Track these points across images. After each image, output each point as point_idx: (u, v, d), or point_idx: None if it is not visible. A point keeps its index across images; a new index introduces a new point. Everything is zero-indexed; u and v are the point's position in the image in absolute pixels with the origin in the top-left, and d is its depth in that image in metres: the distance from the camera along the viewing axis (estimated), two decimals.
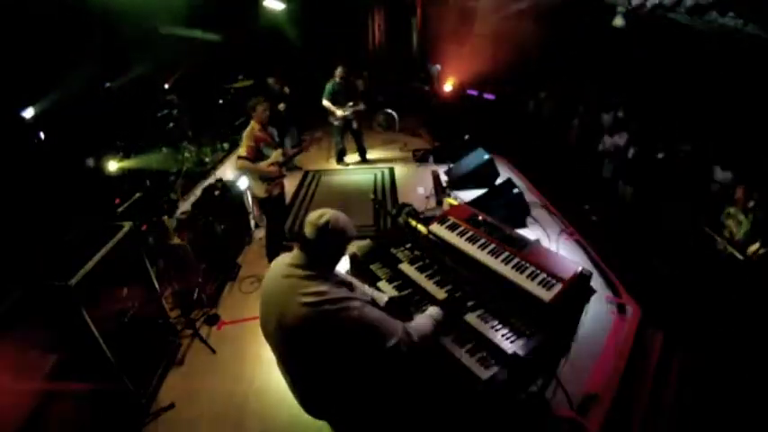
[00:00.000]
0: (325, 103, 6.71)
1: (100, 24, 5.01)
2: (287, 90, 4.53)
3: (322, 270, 1.74)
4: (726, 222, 4.24)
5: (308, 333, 1.65)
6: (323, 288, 1.66)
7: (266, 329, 1.82)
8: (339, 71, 6.60)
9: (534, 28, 7.47)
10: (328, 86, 6.66)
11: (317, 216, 1.76)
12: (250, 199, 5.15)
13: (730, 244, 4.02)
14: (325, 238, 1.72)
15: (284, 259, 1.84)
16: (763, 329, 3.59)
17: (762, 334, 3.58)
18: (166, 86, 6.87)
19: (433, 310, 2.03)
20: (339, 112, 6.67)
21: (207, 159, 7.29)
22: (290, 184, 6.37)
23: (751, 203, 4.04)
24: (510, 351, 1.96)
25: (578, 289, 2.12)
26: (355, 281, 2.18)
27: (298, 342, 1.70)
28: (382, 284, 2.56)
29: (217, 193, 4.38)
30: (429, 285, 2.41)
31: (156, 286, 3.22)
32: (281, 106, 4.73)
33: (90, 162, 4.94)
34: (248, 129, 3.93)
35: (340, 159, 7.43)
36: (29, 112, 4.47)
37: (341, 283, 1.80)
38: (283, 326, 1.69)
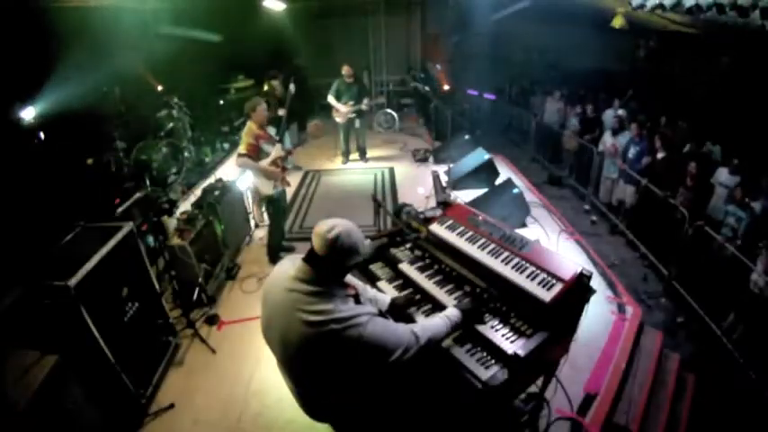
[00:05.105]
0: (330, 99, 6.79)
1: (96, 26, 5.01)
2: (292, 88, 4.52)
3: (328, 286, 1.63)
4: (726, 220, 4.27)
5: (312, 351, 1.60)
6: (329, 306, 1.57)
7: (268, 338, 1.77)
8: (346, 70, 6.64)
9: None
10: (334, 84, 6.73)
11: (327, 228, 1.60)
12: (250, 199, 5.15)
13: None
14: (335, 254, 1.60)
15: (288, 269, 1.69)
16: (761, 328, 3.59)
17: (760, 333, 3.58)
18: (160, 88, 6.86)
19: (450, 312, 1.99)
20: (343, 109, 6.71)
21: (207, 159, 7.30)
22: (291, 184, 6.36)
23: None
24: (510, 351, 1.95)
25: (578, 289, 2.12)
26: (359, 283, 2.16)
27: (302, 358, 1.65)
28: (382, 284, 2.56)
29: (217, 193, 4.38)
30: (429, 286, 2.41)
31: (156, 286, 3.22)
32: (282, 112, 4.74)
33: (90, 162, 4.95)
34: (246, 128, 3.94)
35: (346, 159, 7.46)
36: (29, 113, 4.47)
37: (347, 296, 1.70)
38: (287, 342, 1.64)
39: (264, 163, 3.94)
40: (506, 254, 2.35)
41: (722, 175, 4.78)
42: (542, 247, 2.39)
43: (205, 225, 3.95)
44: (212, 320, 3.74)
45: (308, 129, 4.71)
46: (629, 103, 7.10)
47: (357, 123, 7.03)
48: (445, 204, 2.99)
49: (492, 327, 2.10)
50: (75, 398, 2.37)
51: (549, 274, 2.16)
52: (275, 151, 4.02)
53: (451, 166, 6.18)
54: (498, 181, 5.55)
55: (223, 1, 7.53)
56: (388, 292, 2.45)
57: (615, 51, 7.63)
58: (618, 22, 5.62)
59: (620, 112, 6.49)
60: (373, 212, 5.44)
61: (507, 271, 2.25)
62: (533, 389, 2.62)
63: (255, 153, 3.88)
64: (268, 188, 4.03)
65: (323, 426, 1.95)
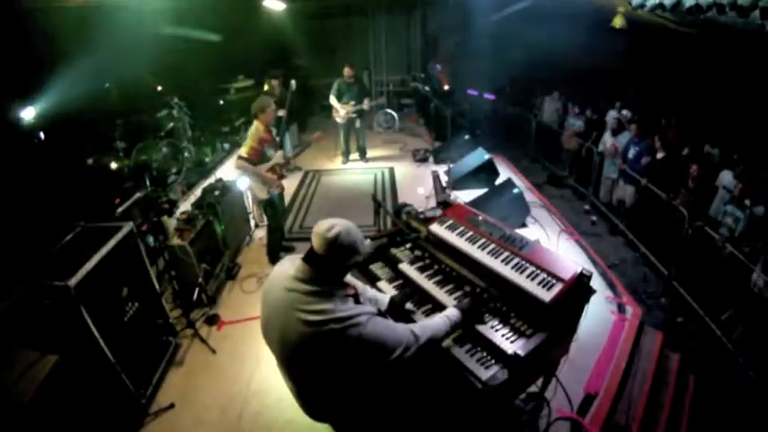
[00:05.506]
0: (332, 99, 6.80)
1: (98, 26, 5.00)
2: (293, 84, 4.52)
3: (328, 285, 1.63)
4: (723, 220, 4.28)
5: (311, 351, 1.60)
6: (328, 306, 1.57)
7: (268, 338, 1.78)
8: (347, 71, 6.65)
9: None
10: (335, 84, 6.74)
11: (327, 227, 1.61)
12: (250, 199, 5.15)
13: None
14: (334, 253, 1.60)
15: (287, 269, 1.70)
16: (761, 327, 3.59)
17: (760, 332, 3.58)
18: (160, 88, 6.86)
19: (450, 312, 2.00)
20: (342, 110, 6.72)
21: (207, 159, 7.31)
22: (291, 184, 6.38)
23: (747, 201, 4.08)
24: (510, 351, 1.95)
25: (578, 289, 2.12)
26: (358, 283, 2.17)
27: (301, 357, 1.65)
28: (382, 284, 2.57)
29: (217, 193, 4.38)
30: (429, 286, 2.41)
31: (156, 286, 3.22)
32: (282, 113, 4.76)
33: (90, 162, 4.95)
34: (253, 129, 3.91)
35: (346, 159, 7.46)
36: (29, 113, 4.47)
37: (347, 296, 1.70)
38: (286, 341, 1.64)
39: (263, 169, 3.93)
40: (506, 254, 2.35)
41: (726, 178, 4.78)
42: (542, 247, 2.39)
43: (205, 225, 3.95)
44: (212, 320, 3.74)
45: (312, 138, 4.73)
46: (630, 103, 7.10)
47: (357, 123, 7.05)
48: (445, 204, 2.99)
49: (492, 327, 2.10)
50: (75, 398, 2.37)
51: (549, 274, 2.16)
52: (276, 157, 4.01)
53: (451, 166, 6.18)
54: (498, 181, 5.55)
55: (223, 1, 7.53)
56: (387, 292, 2.45)
57: (615, 52, 7.62)
58: (618, 22, 5.61)
59: (625, 112, 6.49)
60: (373, 212, 5.44)
61: (507, 271, 2.25)
62: (533, 389, 2.63)
63: (256, 157, 3.87)
64: (263, 193, 4.03)
65: (323, 426, 1.95)
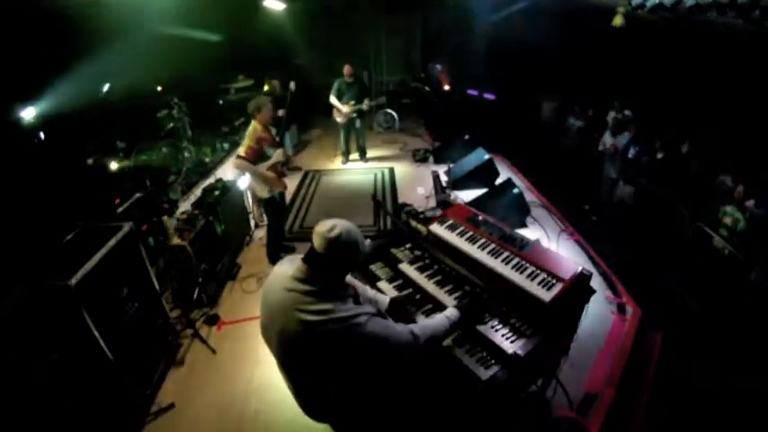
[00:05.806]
0: (332, 99, 6.79)
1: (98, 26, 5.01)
2: (292, 86, 4.53)
3: (328, 285, 1.63)
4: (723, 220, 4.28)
5: (310, 351, 1.60)
6: (328, 306, 1.57)
7: (267, 338, 1.77)
8: (347, 69, 6.65)
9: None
10: (335, 84, 6.74)
11: (328, 228, 1.61)
12: (250, 199, 5.16)
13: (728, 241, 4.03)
14: (336, 253, 1.59)
15: (287, 269, 1.70)
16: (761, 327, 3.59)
17: (760, 332, 3.58)
18: (159, 88, 6.87)
19: (450, 312, 2.01)
20: (345, 109, 6.72)
21: (207, 159, 7.31)
22: (290, 184, 6.37)
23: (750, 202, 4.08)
24: (510, 351, 1.95)
25: (578, 289, 2.12)
26: (358, 283, 2.17)
27: (300, 357, 1.65)
28: (382, 284, 2.56)
29: (217, 193, 4.38)
30: (429, 286, 2.41)
31: (156, 286, 3.22)
32: (281, 112, 4.76)
33: (90, 162, 4.95)
34: (250, 129, 3.91)
35: (346, 159, 7.46)
36: (29, 113, 4.47)
37: (346, 296, 1.69)
38: (285, 341, 1.64)
39: (263, 167, 3.93)
40: (506, 254, 2.35)
41: (725, 181, 4.78)
42: (542, 247, 2.39)
43: (205, 225, 3.95)
44: (212, 320, 3.74)
45: (312, 136, 4.74)
46: (630, 103, 7.09)
47: (357, 123, 7.06)
48: (445, 204, 2.99)
49: (492, 327, 2.10)
50: (75, 398, 2.37)
51: (549, 273, 2.17)
52: (276, 156, 4.01)
53: (451, 166, 6.18)
54: (498, 181, 5.55)
55: (224, 1, 7.53)
56: (388, 292, 2.45)
57: (615, 51, 7.63)
58: (618, 22, 5.60)
59: (627, 113, 6.48)
60: (373, 212, 5.45)
61: (507, 271, 2.25)
62: (533, 389, 2.62)
63: (255, 157, 3.87)
64: (264, 192, 4.03)
65: (323, 426, 1.95)
